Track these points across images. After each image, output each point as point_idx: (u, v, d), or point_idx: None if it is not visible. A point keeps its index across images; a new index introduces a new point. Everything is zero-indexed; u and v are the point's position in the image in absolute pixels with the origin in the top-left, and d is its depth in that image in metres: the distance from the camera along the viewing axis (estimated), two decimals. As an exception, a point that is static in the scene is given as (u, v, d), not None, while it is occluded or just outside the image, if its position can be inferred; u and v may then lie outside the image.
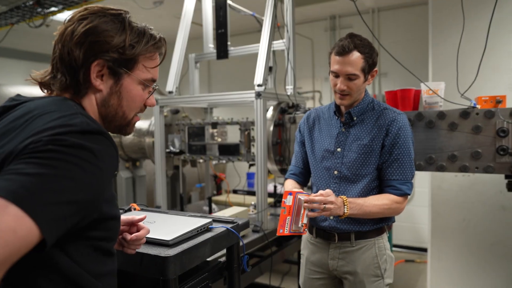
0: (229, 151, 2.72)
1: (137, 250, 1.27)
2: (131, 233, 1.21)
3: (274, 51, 2.92)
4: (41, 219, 0.71)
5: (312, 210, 1.63)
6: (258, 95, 2.36)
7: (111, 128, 1.08)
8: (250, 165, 2.82)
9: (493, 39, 2.24)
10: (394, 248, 4.79)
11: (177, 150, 2.89)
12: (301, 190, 1.71)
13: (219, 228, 1.56)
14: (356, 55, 1.70)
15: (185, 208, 3.09)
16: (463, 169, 2.02)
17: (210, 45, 3.13)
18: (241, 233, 1.68)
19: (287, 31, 2.75)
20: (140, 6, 4.24)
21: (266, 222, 2.45)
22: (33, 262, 0.81)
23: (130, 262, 1.34)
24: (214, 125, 2.80)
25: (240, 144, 2.65)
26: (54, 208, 0.74)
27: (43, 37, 6.03)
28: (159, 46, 1.07)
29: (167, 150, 2.92)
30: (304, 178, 2.03)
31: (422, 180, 4.18)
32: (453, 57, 2.15)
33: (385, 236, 1.87)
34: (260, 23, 3.16)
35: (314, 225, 1.89)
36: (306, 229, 1.66)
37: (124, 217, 1.20)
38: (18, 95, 1.02)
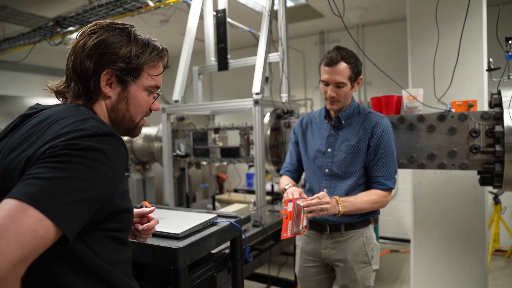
0: (230, 153, 2.73)
1: (150, 243, 1.28)
2: (142, 224, 1.22)
3: (269, 63, 2.93)
4: (60, 219, 0.73)
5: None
6: (256, 102, 2.37)
7: (120, 130, 1.08)
8: (250, 166, 2.82)
9: (464, 50, 2.27)
10: (380, 240, 4.79)
11: (183, 154, 2.89)
12: (299, 196, 1.69)
13: (223, 223, 1.57)
14: (343, 65, 1.73)
15: (191, 206, 3.09)
16: (441, 166, 2.03)
17: (211, 58, 3.14)
18: (243, 227, 1.68)
19: (281, 45, 2.77)
20: (148, 24, 4.25)
21: (265, 217, 2.45)
22: (54, 253, 0.82)
23: (144, 253, 1.34)
24: (216, 130, 2.81)
25: (240, 147, 2.66)
26: (71, 207, 0.76)
27: (62, 54, 6.04)
28: (162, 55, 1.08)
29: (174, 154, 2.92)
30: (297, 175, 2.06)
31: (405, 177, 4.18)
32: (430, 66, 2.17)
33: (371, 227, 1.88)
34: (256, 38, 3.18)
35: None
36: (305, 230, 1.67)
37: (135, 210, 1.22)
38: (37, 104, 1.04)
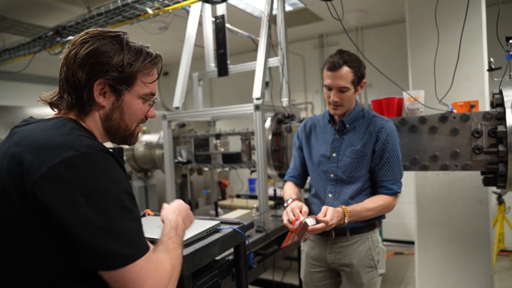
0: (231, 159, 2.72)
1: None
2: None
3: (269, 68, 2.93)
4: (143, 250, 0.85)
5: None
6: (257, 107, 2.36)
7: (116, 139, 1.07)
8: (251, 172, 2.81)
9: (464, 51, 2.26)
10: (384, 242, 4.76)
11: (185, 160, 2.88)
12: (300, 212, 1.66)
13: (226, 229, 1.56)
14: (346, 69, 1.71)
15: (193, 212, 3.07)
16: (444, 167, 2.02)
17: (211, 64, 3.14)
18: (246, 233, 1.67)
19: (281, 49, 2.77)
20: (147, 32, 4.27)
21: (268, 222, 2.44)
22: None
23: (147, 262, 1.33)
24: (218, 136, 2.80)
25: (242, 153, 2.65)
26: (122, 235, 0.84)
27: (61, 63, 6.09)
28: (155, 62, 1.05)
29: (176, 161, 2.91)
30: (302, 180, 2.04)
31: (407, 179, 4.14)
32: (430, 68, 2.16)
33: (377, 230, 1.87)
34: (255, 43, 3.18)
35: None
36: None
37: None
38: (31, 117, 1.02)
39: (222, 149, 2.83)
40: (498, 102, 1.88)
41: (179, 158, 2.90)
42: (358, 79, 1.76)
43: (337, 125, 1.86)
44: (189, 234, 1.42)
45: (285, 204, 1.79)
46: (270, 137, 2.58)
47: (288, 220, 1.65)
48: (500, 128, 1.81)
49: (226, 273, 1.69)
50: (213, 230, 1.52)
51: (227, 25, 3.02)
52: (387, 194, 1.76)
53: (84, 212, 0.80)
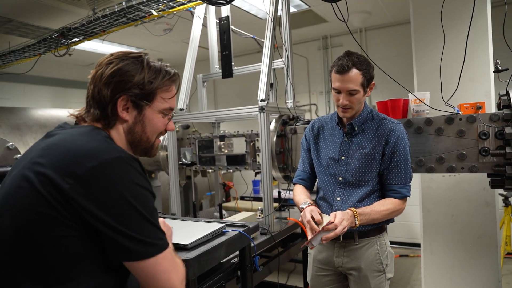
0: (236, 161, 2.72)
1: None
2: None
3: (274, 69, 2.93)
4: (163, 246, 0.95)
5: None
6: (262, 109, 2.36)
7: (138, 151, 1.15)
8: (256, 173, 2.81)
9: (470, 53, 2.25)
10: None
11: (189, 162, 2.88)
12: (320, 216, 1.63)
13: (232, 232, 1.55)
14: (355, 72, 1.68)
15: (197, 214, 3.08)
16: (450, 169, 2.00)
17: (216, 66, 3.14)
18: (251, 236, 1.66)
19: (285, 50, 2.77)
20: (152, 33, 4.28)
21: (273, 225, 2.43)
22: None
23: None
24: (222, 138, 2.80)
25: (246, 155, 2.65)
26: (154, 229, 0.95)
27: (66, 65, 6.12)
28: (174, 79, 1.15)
29: (180, 162, 2.92)
30: (311, 183, 2.00)
31: (413, 181, 4.12)
32: (436, 69, 2.15)
33: (385, 234, 1.85)
34: (260, 44, 3.18)
35: None
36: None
37: None
38: (65, 123, 1.10)
39: (226, 151, 2.83)
40: (505, 104, 1.87)
41: (183, 160, 2.91)
42: (367, 81, 1.74)
43: (346, 127, 1.83)
44: (194, 237, 1.42)
45: (302, 206, 1.75)
46: (275, 138, 2.57)
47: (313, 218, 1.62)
48: (508, 130, 1.79)
49: (231, 276, 1.69)
50: (219, 233, 1.52)
51: (232, 26, 3.02)
52: (396, 198, 1.74)
53: (123, 208, 0.89)
